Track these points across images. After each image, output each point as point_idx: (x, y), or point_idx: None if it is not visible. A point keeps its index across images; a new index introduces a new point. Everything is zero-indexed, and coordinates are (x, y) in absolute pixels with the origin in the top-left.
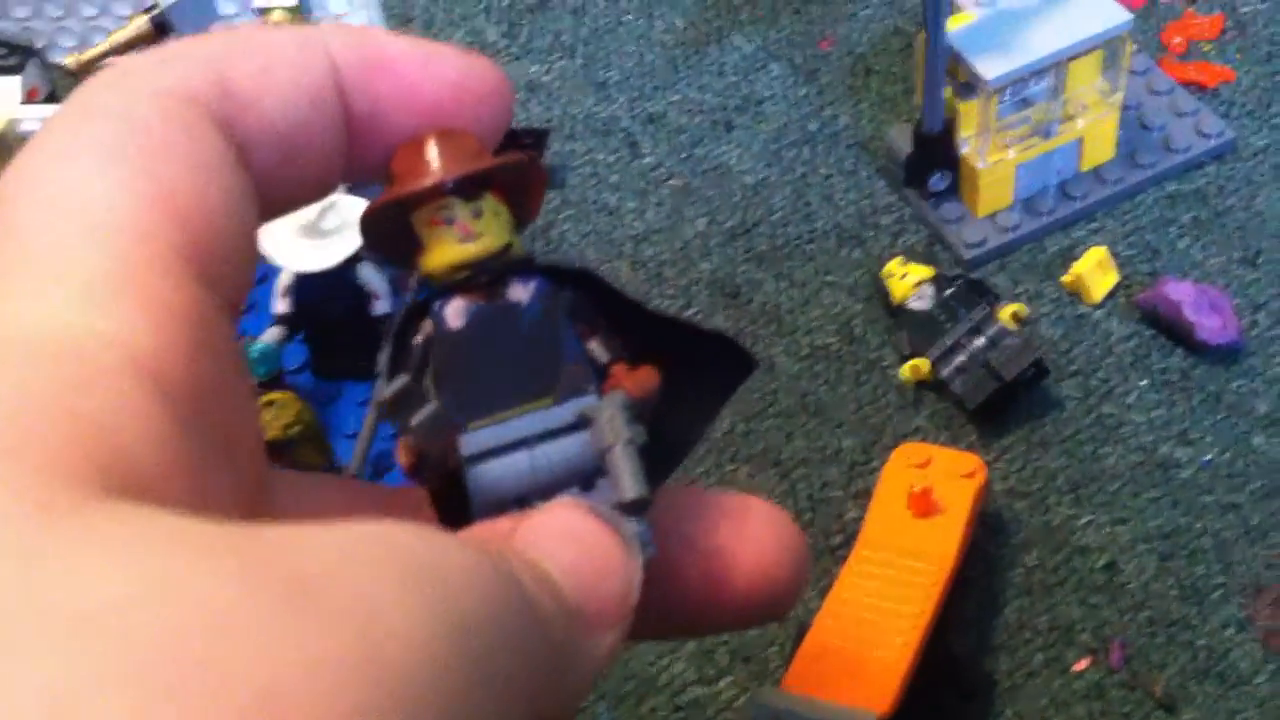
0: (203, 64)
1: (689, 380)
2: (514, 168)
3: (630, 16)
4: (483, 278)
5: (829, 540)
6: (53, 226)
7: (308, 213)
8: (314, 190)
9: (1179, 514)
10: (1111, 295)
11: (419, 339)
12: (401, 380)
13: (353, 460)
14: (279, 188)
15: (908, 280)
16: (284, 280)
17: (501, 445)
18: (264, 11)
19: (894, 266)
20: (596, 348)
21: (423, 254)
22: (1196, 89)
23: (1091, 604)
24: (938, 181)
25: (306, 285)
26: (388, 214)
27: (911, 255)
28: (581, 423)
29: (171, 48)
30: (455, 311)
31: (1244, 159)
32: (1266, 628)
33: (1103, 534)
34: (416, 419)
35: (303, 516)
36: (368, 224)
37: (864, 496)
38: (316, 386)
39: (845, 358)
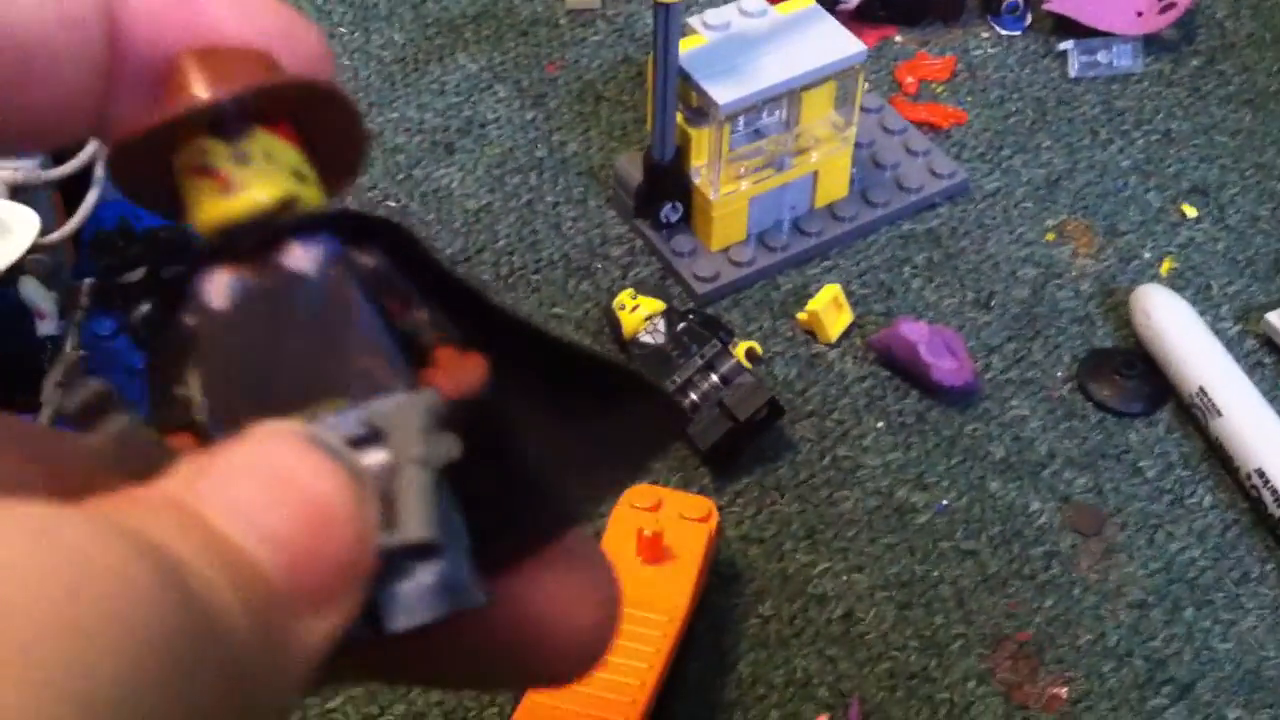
0: None
1: (578, 415)
2: (299, 89)
3: (345, 30)
4: (247, 242)
5: None
6: None
7: None
8: (48, 128)
9: (916, 561)
10: (846, 335)
11: (189, 320)
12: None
13: None
14: (4, 114)
15: (638, 314)
16: None
17: None
18: None
19: (624, 299)
20: (418, 325)
21: (187, 212)
22: (929, 129)
23: (829, 656)
24: (670, 213)
25: None
26: (139, 156)
27: (642, 288)
28: (368, 434)
29: None
30: (218, 288)
31: (976, 201)
32: (1008, 680)
33: (840, 582)
34: (101, 437)
35: None
36: (119, 166)
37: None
38: None
39: None
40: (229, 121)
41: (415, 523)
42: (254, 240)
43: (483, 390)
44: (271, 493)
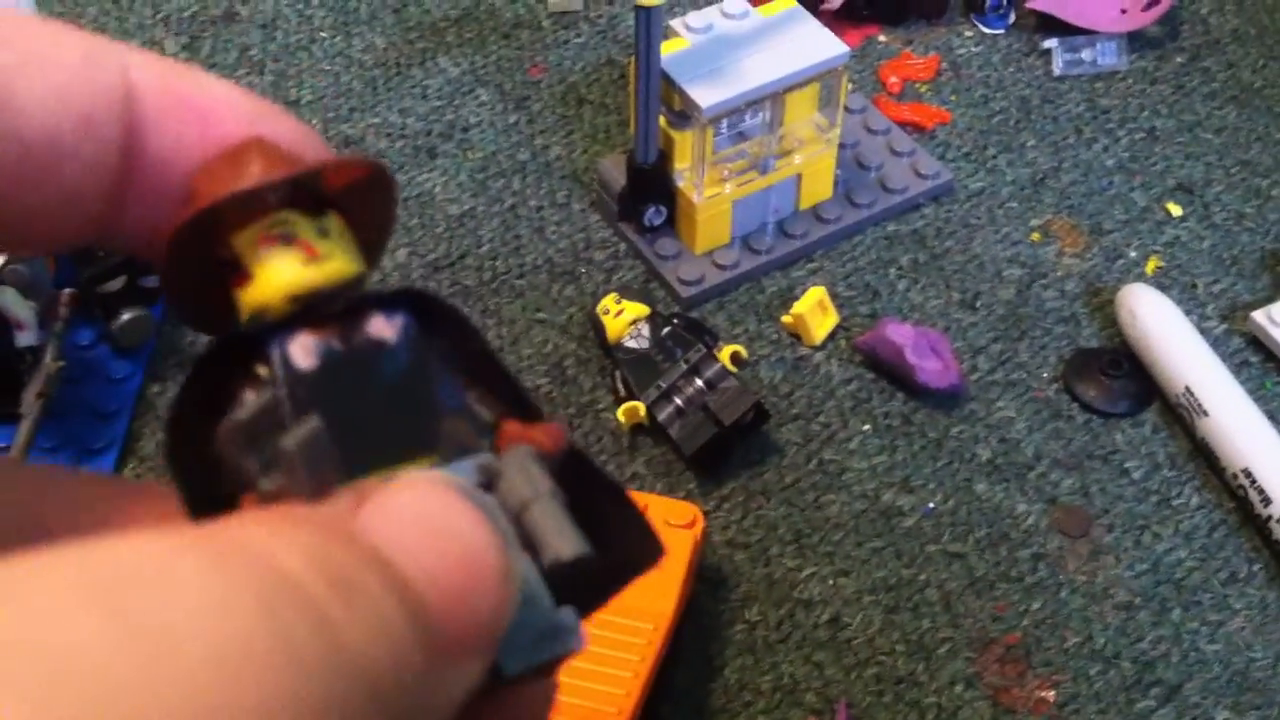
0: None
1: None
2: (363, 170)
3: (326, 34)
4: (335, 308)
5: None
6: None
7: None
8: (53, 232)
9: (903, 565)
10: (831, 337)
11: (249, 393)
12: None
13: None
14: (13, 215)
15: (623, 318)
16: None
17: None
18: None
19: (608, 303)
20: (476, 403)
21: (248, 284)
22: (913, 129)
23: (816, 661)
24: (654, 216)
25: None
26: (194, 238)
27: (627, 292)
28: (484, 482)
29: None
30: (303, 349)
31: (960, 201)
32: (996, 683)
33: (826, 586)
34: (293, 440)
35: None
36: (173, 254)
37: None
38: None
39: (557, 400)
40: (309, 203)
41: (564, 543)
42: (338, 308)
43: (569, 450)
44: (432, 540)
